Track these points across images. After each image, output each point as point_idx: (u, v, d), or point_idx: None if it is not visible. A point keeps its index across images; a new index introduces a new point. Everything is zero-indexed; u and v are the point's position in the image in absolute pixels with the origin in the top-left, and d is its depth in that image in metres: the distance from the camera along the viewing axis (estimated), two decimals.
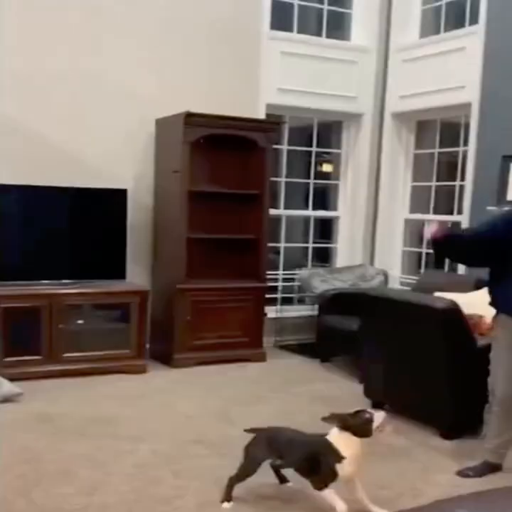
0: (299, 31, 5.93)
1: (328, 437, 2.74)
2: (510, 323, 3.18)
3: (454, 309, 3.61)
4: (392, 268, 6.14)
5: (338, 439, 2.70)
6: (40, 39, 4.89)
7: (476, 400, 3.43)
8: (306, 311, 5.88)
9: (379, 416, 2.72)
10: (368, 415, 2.71)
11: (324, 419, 2.76)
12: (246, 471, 2.83)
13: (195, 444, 3.52)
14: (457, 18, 5.78)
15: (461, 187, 5.56)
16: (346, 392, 4.55)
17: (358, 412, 2.75)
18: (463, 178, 5.52)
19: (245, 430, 2.92)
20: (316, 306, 5.56)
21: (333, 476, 2.68)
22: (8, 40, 4.80)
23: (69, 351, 4.66)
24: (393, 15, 6.08)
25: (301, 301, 6.07)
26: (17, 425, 3.69)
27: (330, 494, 2.69)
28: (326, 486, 2.69)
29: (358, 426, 2.68)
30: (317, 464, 2.71)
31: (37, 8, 4.86)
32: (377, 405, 4.12)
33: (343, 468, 2.67)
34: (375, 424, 2.69)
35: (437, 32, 5.90)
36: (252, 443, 2.86)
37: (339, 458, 2.67)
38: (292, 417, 3.99)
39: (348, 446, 2.68)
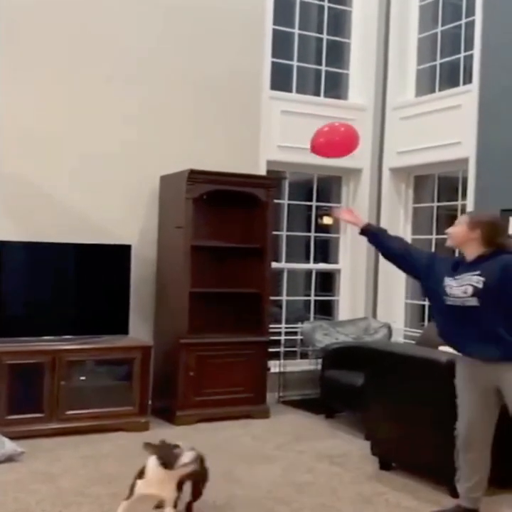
0: (298, 91, 6.11)
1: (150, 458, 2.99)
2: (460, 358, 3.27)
3: None
4: (395, 321, 6.13)
5: (151, 461, 2.96)
6: (45, 97, 5.02)
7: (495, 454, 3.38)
8: (309, 365, 5.84)
9: (188, 455, 2.94)
10: (177, 451, 2.95)
11: (144, 446, 2.99)
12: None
13: (201, 504, 3.45)
14: (452, 77, 5.96)
15: None
16: (352, 449, 4.48)
17: (175, 446, 2.98)
18: None
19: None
20: (320, 360, 5.53)
21: (130, 489, 3.00)
22: (15, 100, 4.92)
23: (71, 408, 4.61)
24: (389, 74, 6.27)
25: (304, 355, 6.03)
26: (18, 485, 3.63)
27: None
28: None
29: (163, 457, 2.93)
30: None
31: (40, 66, 4.99)
32: (384, 463, 4.08)
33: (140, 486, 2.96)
34: (182, 460, 2.92)
35: (433, 91, 6.07)
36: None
37: (141, 475, 2.96)
38: (298, 477, 3.94)
39: (155, 470, 2.92)
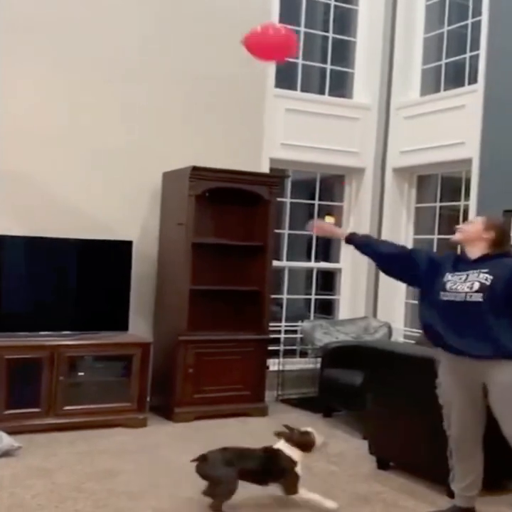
0: (303, 89, 6.09)
1: (278, 447, 3.34)
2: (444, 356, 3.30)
3: None
4: (395, 320, 6.12)
5: (286, 449, 3.32)
6: (47, 94, 5.01)
7: (484, 457, 3.37)
8: (308, 364, 5.83)
9: (320, 439, 3.38)
10: (311, 436, 3.37)
11: (276, 434, 3.40)
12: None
13: (196, 502, 3.44)
14: (457, 77, 5.93)
15: None
16: (350, 448, 4.47)
17: (305, 431, 3.38)
18: None
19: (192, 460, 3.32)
20: (319, 359, 5.51)
21: (296, 477, 3.25)
22: (16, 97, 4.91)
23: (69, 404, 4.60)
24: (394, 74, 6.24)
25: (303, 353, 6.02)
26: (15, 480, 3.63)
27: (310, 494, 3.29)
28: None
29: (300, 442, 3.33)
30: (277, 470, 3.25)
31: (40, 63, 4.99)
32: (382, 463, 4.07)
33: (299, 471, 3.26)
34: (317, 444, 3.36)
35: (437, 90, 6.04)
36: (203, 461, 3.28)
37: (294, 462, 3.26)
38: None
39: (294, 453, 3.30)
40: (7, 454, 3.99)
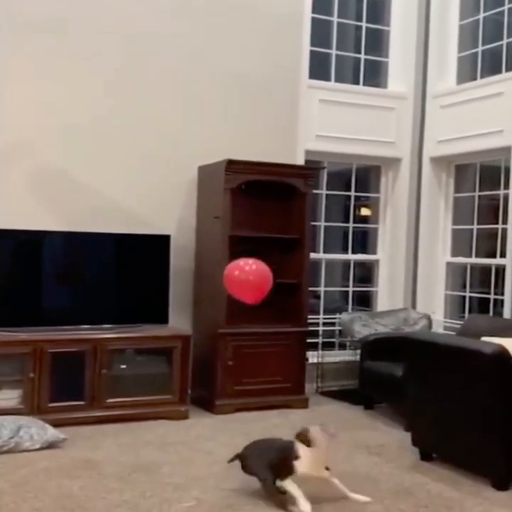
0: (337, 80, 6.05)
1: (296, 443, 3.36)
2: None
3: (504, 354, 3.53)
4: (434, 312, 6.06)
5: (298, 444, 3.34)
6: (84, 89, 5.07)
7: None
8: (347, 356, 5.81)
9: (315, 429, 3.34)
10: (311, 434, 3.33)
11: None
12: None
13: (240, 493, 3.46)
14: (493, 64, 5.83)
15: (504, 230, 5.51)
16: (392, 440, 4.45)
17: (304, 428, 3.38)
18: (505, 221, 5.47)
19: (229, 461, 3.54)
20: (358, 351, 5.49)
21: (290, 469, 3.27)
22: (55, 92, 4.98)
23: (111, 397, 4.67)
24: (430, 62, 6.16)
25: (342, 346, 6.00)
26: (61, 471, 3.69)
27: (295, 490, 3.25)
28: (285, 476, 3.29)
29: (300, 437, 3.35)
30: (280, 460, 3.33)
31: (76, 60, 5.05)
32: (425, 454, 4.04)
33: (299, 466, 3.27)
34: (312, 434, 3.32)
35: (474, 78, 5.94)
36: (243, 461, 3.45)
37: (296, 456, 3.29)
38: (337, 466, 3.91)
39: (304, 450, 3.30)
40: (52, 445, 4.06)
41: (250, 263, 3.79)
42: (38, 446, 4.00)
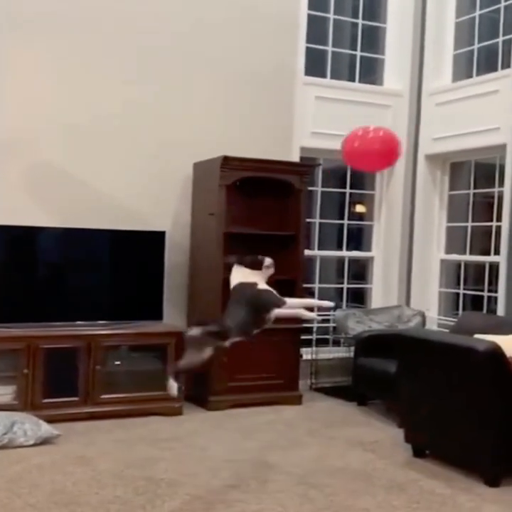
0: (333, 77, 6.05)
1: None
2: None
3: (497, 351, 3.55)
4: (429, 309, 6.08)
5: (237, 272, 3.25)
6: (79, 86, 5.05)
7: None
8: (341, 352, 5.82)
9: (268, 260, 3.27)
10: (259, 258, 3.26)
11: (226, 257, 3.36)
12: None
13: (232, 489, 3.47)
14: (489, 62, 5.83)
15: (498, 227, 5.52)
16: (385, 436, 4.46)
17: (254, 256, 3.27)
18: (499, 219, 5.49)
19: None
20: (352, 348, 5.50)
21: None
22: (49, 89, 4.97)
23: (106, 393, 4.67)
24: (426, 60, 6.16)
25: (336, 342, 6.01)
26: (55, 467, 3.70)
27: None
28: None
29: (248, 263, 3.25)
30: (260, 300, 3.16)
31: (72, 59, 5.04)
32: (418, 451, 4.05)
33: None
34: (265, 264, 3.25)
35: (470, 76, 5.95)
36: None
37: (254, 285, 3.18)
38: (331, 462, 3.94)
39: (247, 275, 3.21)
40: (46, 441, 4.06)
41: (371, 130, 3.53)
42: (31, 442, 4.00)
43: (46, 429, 4.11)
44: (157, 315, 5.01)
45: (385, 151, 3.61)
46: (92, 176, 5.09)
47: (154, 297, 5.02)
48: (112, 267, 5.09)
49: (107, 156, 5.14)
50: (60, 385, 4.57)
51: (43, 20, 4.89)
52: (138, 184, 5.21)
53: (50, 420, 4.23)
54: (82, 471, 3.66)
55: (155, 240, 5.04)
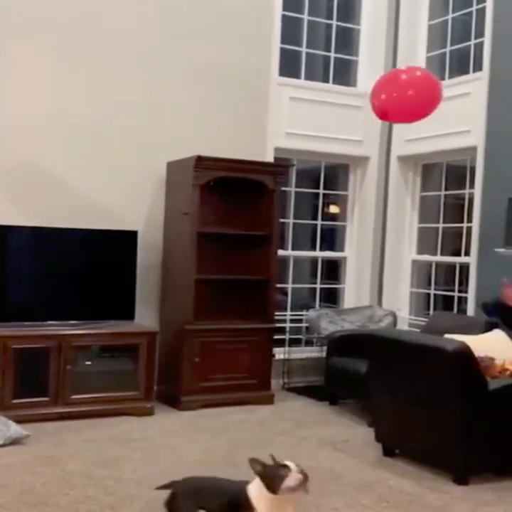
0: (307, 78, 6.08)
1: (248, 486, 2.52)
2: None
3: (465, 351, 3.60)
4: (400, 309, 6.14)
5: (254, 488, 2.50)
6: (52, 84, 5.01)
7: (488, 443, 3.39)
8: (314, 352, 5.86)
9: (293, 478, 2.43)
10: (282, 472, 2.44)
11: (250, 461, 2.51)
12: None
13: None
14: (461, 65, 5.91)
15: (468, 229, 5.60)
16: (356, 436, 4.50)
17: (281, 465, 2.48)
18: (470, 220, 5.56)
19: (157, 488, 2.79)
20: (324, 348, 5.53)
21: None
22: (20, 87, 4.92)
23: (76, 393, 4.64)
24: (399, 62, 6.21)
25: (308, 342, 6.04)
26: (24, 468, 3.66)
27: None
28: None
29: (267, 478, 2.45)
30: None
31: (46, 60, 4.99)
32: (388, 450, 4.09)
33: None
34: (286, 483, 2.42)
35: (442, 78, 6.01)
36: (173, 499, 2.68)
37: (250, 508, 2.46)
38: (301, 462, 3.94)
39: (260, 497, 2.46)
40: (15, 442, 4.02)
41: (405, 71, 2.75)
42: (0, 442, 3.95)
43: (15, 429, 4.06)
44: (129, 315, 4.99)
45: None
46: (65, 175, 5.05)
47: (126, 297, 5.00)
48: (83, 266, 5.05)
49: (80, 155, 5.09)
50: (30, 385, 4.53)
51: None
52: (111, 183, 5.18)
53: (19, 420, 4.18)
54: (52, 471, 3.63)
55: (127, 239, 5.02)
